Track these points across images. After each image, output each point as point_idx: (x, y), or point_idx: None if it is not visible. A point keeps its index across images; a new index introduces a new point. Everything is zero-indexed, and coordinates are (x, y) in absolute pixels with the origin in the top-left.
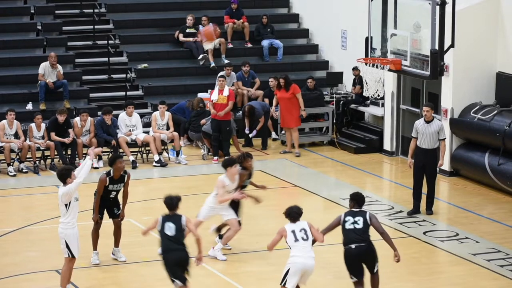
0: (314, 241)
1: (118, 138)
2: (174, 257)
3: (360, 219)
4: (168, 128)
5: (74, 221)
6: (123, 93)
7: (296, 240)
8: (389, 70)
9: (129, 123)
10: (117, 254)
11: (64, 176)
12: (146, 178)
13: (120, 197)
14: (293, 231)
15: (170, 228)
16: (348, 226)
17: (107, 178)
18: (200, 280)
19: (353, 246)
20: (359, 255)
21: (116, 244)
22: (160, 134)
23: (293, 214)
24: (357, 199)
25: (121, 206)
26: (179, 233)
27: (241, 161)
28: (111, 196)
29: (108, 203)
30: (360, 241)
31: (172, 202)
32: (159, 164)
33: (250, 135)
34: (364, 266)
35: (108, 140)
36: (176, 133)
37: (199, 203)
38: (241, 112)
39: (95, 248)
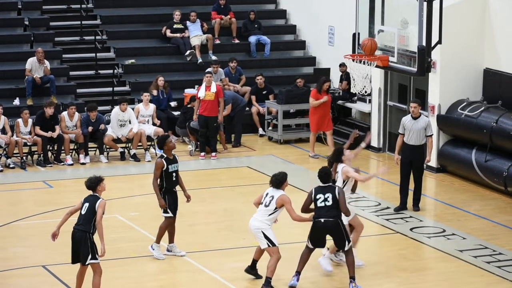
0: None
1: (106, 136)
2: (72, 234)
3: (329, 196)
4: (153, 121)
5: None
6: (110, 89)
7: (261, 203)
8: (376, 66)
9: (121, 118)
10: (174, 249)
11: None
12: (132, 174)
13: None
14: (267, 194)
15: (85, 207)
16: (320, 203)
17: (163, 160)
18: (187, 276)
19: (322, 220)
20: (325, 228)
21: (171, 239)
22: (145, 130)
23: (273, 180)
24: (321, 176)
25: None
26: (87, 213)
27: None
28: (174, 178)
29: (174, 186)
30: (329, 216)
31: (89, 183)
32: (133, 159)
33: None
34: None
35: (85, 134)
36: (161, 129)
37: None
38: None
39: (159, 241)
